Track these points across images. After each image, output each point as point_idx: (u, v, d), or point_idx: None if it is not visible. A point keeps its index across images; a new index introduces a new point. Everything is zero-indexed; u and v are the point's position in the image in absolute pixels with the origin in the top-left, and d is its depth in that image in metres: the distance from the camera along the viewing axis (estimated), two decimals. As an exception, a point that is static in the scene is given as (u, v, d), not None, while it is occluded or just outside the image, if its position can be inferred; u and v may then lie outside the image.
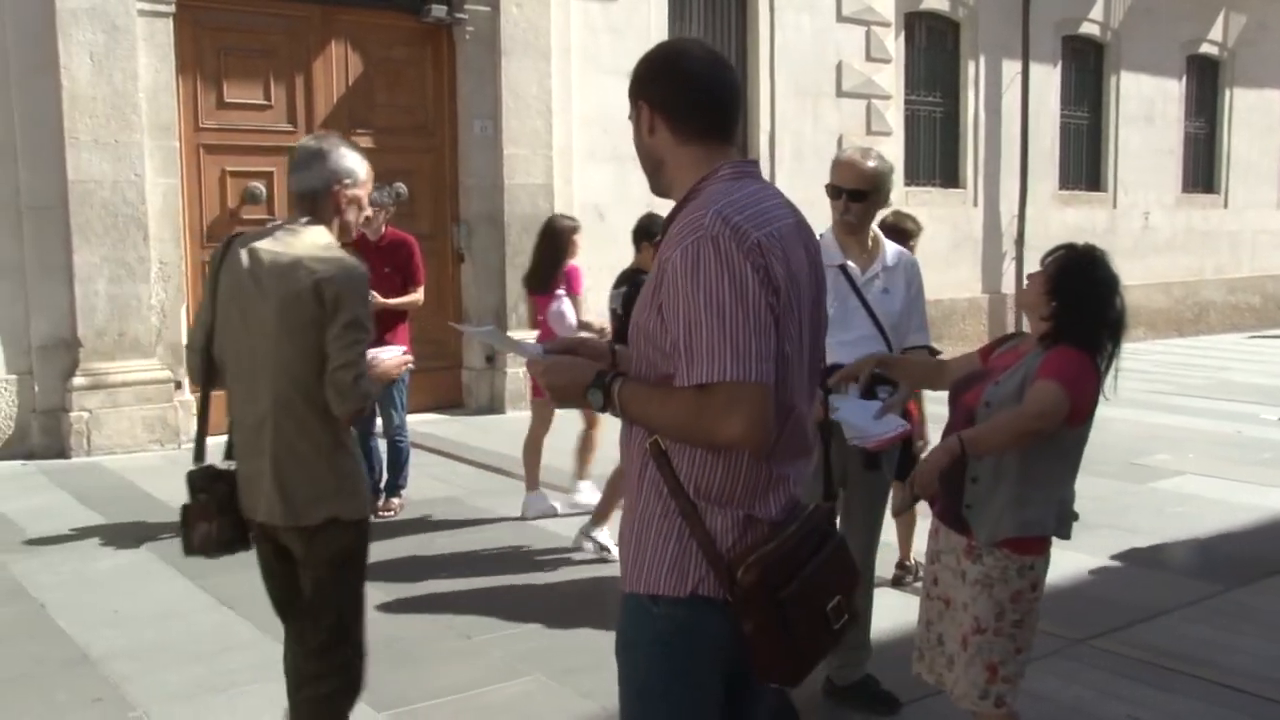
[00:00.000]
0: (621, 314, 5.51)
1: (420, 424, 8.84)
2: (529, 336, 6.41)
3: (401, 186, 9.40)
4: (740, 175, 2.06)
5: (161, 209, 8.28)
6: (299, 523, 2.93)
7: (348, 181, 3.00)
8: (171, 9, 8.21)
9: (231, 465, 3.06)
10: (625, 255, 10.50)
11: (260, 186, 8.85)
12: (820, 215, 11.15)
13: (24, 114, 7.75)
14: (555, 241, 6.51)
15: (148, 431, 8.15)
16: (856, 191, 3.83)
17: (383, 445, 6.60)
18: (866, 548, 3.98)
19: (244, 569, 5.40)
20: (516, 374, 9.73)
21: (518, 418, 9.55)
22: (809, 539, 2.04)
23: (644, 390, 2.03)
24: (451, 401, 9.63)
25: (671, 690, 2.07)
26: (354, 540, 3.01)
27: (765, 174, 9.34)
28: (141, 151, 8.11)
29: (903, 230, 5.66)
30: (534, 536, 6.07)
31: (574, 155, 10.18)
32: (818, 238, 2.16)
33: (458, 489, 6.99)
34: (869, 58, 12.31)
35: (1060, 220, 14.17)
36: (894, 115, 12.64)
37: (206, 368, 3.08)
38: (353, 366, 2.85)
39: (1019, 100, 13.84)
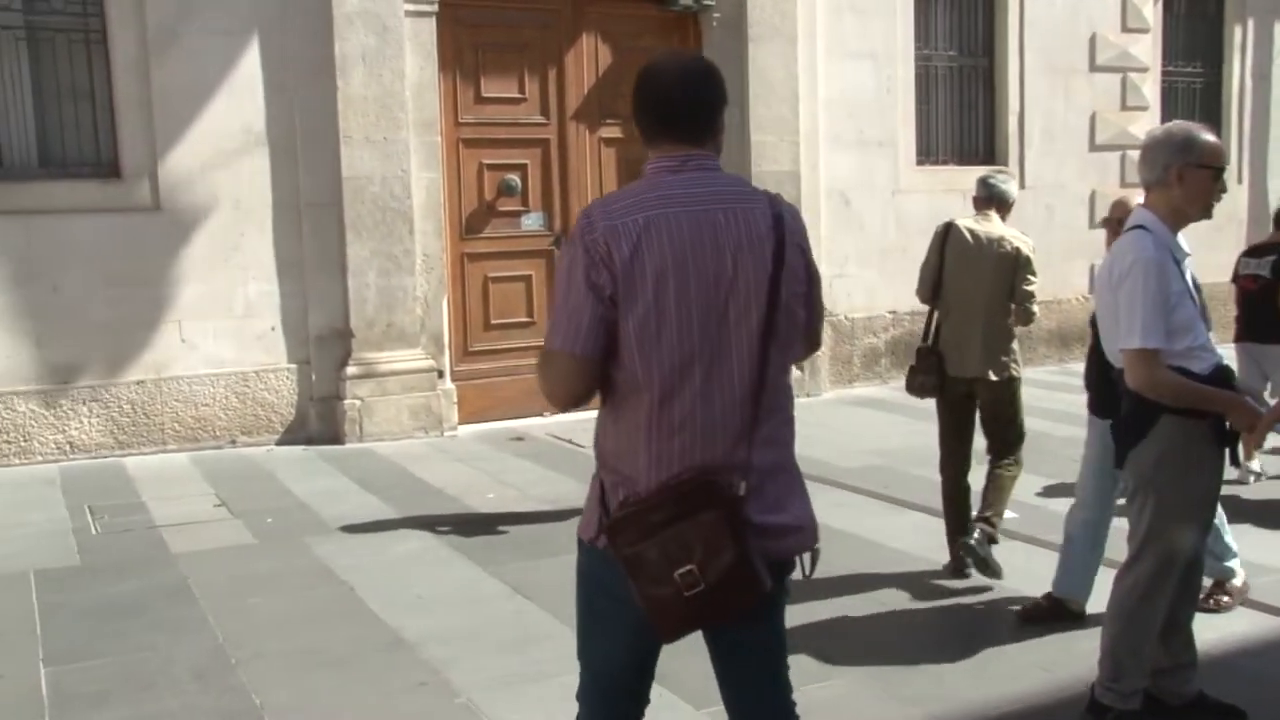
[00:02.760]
0: (1270, 277, 6.55)
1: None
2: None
3: (651, 176, 9.44)
4: (658, 171, 2.36)
5: (424, 203, 8.55)
6: (987, 377, 5.14)
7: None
8: (435, 9, 8.45)
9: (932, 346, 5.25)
10: (872, 240, 10.31)
11: (515, 178, 9.04)
12: (1069, 201, 10.60)
13: (303, 116, 8.13)
14: None
15: (413, 419, 8.44)
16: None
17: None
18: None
19: (530, 559, 5.55)
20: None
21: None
22: (665, 508, 2.25)
23: None
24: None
25: (585, 618, 2.49)
26: (1013, 386, 5.23)
27: (1013, 156, 8.98)
28: (407, 148, 8.39)
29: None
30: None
31: (819, 141, 10.00)
32: (761, 217, 2.35)
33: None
34: (1125, 28, 11.65)
35: (1335, 196, 13.12)
36: (1150, 88, 11.94)
37: (934, 295, 5.28)
38: (1032, 298, 5.09)
39: (1290, 67, 12.86)
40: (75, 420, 7.76)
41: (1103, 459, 4.40)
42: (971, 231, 5.17)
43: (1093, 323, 4.40)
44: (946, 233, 5.25)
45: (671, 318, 2.26)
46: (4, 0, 7.65)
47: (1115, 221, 4.40)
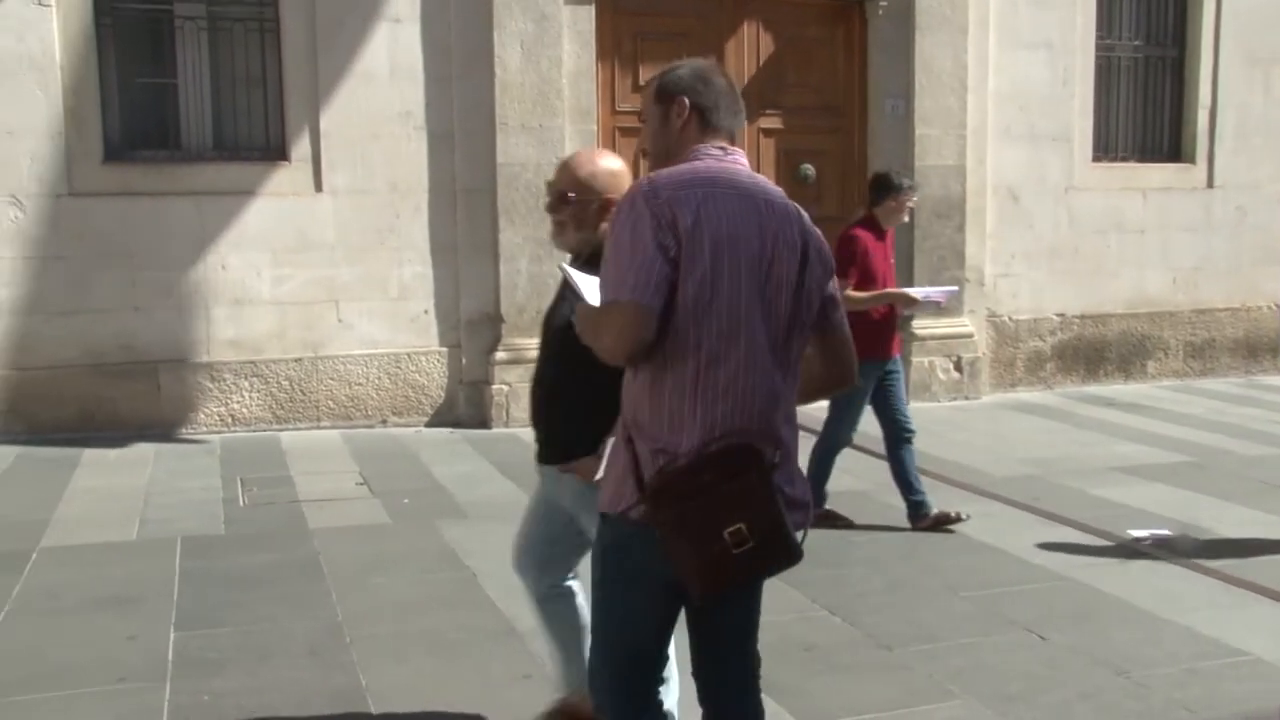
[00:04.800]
0: None
1: (819, 410, 8.62)
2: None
3: (809, 168, 9.25)
4: (704, 156, 2.53)
5: (578, 191, 8.56)
6: None
7: None
8: (594, -4, 8.48)
9: None
10: (1041, 239, 9.85)
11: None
12: (1263, 202, 9.99)
13: (462, 102, 8.26)
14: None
15: (559, 406, 8.47)
16: None
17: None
18: None
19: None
20: (921, 363, 9.31)
21: (917, 409, 9.17)
22: (713, 467, 2.35)
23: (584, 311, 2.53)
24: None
25: (610, 591, 2.56)
26: None
27: (1201, 153, 8.42)
28: (562, 135, 8.43)
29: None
30: (952, 541, 5.71)
31: (988, 135, 9.59)
32: (792, 211, 2.53)
33: (864, 482, 6.74)
34: (1344, 14, 10.79)
35: None
36: (1369, 83, 11.03)
37: None
38: None
39: None
40: (237, 394, 8.07)
41: (549, 520, 3.45)
42: None
43: (545, 341, 3.31)
44: None
45: (724, 287, 2.39)
46: (189, -8, 8.03)
47: (559, 193, 3.21)
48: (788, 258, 2.47)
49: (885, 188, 5.93)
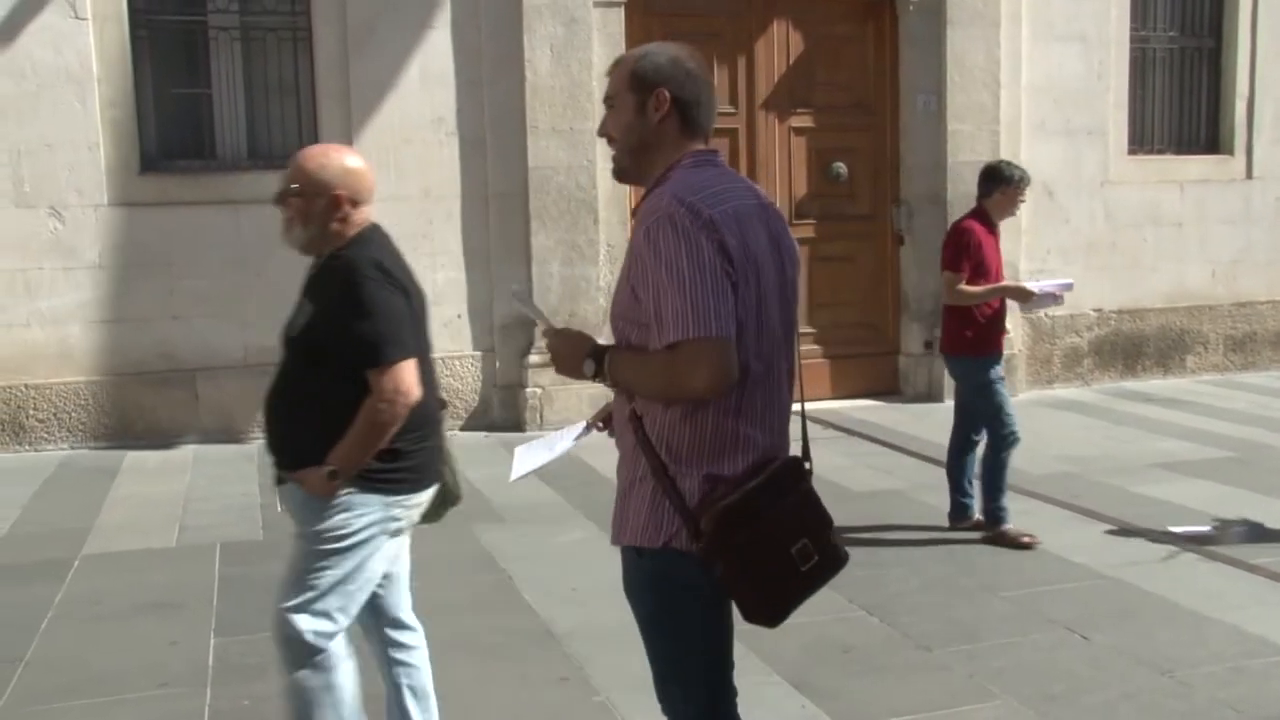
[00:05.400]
0: None
1: (856, 410, 8.61)
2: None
3: (842, 166, 9.21)
4: (700, 164, 2.36)
5: (609, 193, 8.58)
6: None
7: None
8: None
9: None
10: (1078, 234, 9.76)
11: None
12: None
13: (493, 107, 8.29)
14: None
15: (592, 408, 8.34)
16: None
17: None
18: None
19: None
20: (955, 361, 9.25)
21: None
22: (769, 489, 2.28)
23: (627, 356, 2.34)
24: (887, 388, 9.31)
25: (664, 622, 2.42)
26: None
27: (1239, 144, 8.33)
28: (593, 138, 8.41)
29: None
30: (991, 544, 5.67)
31: (1021, 130, 9.51)
32: (781, 215, 2.45)
33: (901, 481, 6.71)
34: (1382, 2, 10.62)
35: None
36: None
37: None
38: None
39: None
40: (274, 400, 8.12)
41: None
42: None
43: (287, 341, 3.10)
44: None
45: (764, 310, 2.32)
46: (222, 3, 8.09)
47: (285, 186, 2.99)
48: (791, 266, 2.42)
49: (994, 179, 5.65)
